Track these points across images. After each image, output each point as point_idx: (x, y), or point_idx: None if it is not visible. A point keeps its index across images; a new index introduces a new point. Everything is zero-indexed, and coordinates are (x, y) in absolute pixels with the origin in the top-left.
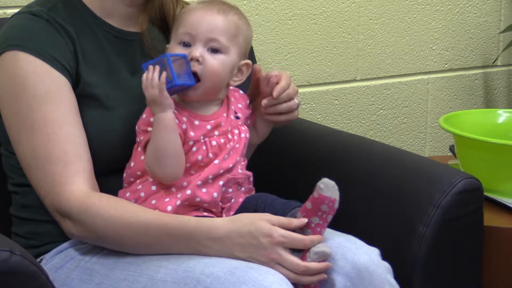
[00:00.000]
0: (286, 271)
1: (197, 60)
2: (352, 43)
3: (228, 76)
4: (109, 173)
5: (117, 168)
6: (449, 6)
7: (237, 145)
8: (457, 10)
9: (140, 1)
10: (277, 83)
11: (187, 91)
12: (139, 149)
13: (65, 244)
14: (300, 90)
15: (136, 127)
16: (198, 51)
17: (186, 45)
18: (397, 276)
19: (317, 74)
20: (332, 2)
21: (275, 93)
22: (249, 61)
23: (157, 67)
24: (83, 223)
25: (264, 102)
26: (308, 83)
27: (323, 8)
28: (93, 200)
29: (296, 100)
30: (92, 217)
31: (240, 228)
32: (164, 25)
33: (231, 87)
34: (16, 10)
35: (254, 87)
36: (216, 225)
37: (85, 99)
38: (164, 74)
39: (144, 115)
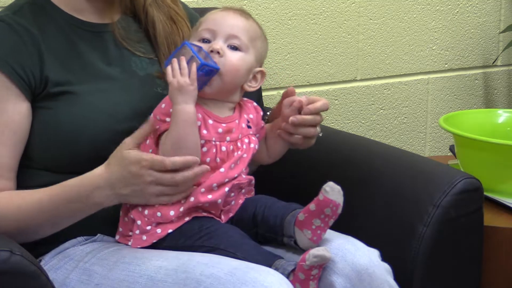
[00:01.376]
0: (167, 190)
1: (217, 53)
2: (352, 43)
3: (245, 76)
4: (95, 165)
5: (104, 159)
6: (449, 6)
7: (245, 155)
8: (457, 10)
9: None
10: (300, 108)
11: (204, 87)
12: (148, 141)
13: (64, 245)
14: (300, 90)
15: (152, 116)
16: (218, 44)
17: (206, 41)
18: (397, 277)
19: (317, 74)
20: (332, 2)
21: (292, 119)
22: (264, 70)
23: (183, 58)
24: None
25: (284, 125)
26: (308, 83)
27: (323, 8)
28: None
29: (318, 129)
30: None
31: (114, 168)
32: (136, 15)
33: (245, 99)
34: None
35: (278, 108)
36: (96, 174)
37: (57, 96)
38: (194, 64)
39: (163, 105)
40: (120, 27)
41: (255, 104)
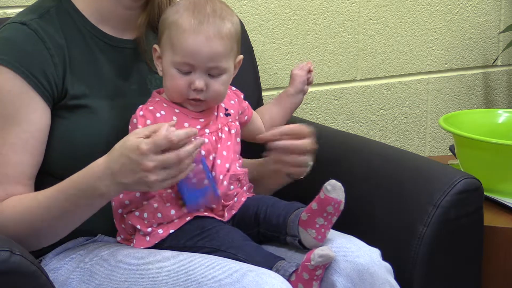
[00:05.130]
0: (171, 173)
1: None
2: (352, 43)
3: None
4: None
5: None
6: (449, 6)
7: (229, 143)
8: (457, 10)
9: (139, 4)
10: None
11: (188, 105)
12: None
13: (65, 245)
14: None
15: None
16: (201, 81)
17: (186, 73)
18: (397, 276)
19: (317, 74)
20: (332, 2)
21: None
22: (240, 57)
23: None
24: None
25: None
26: None
27: (323, 8)
28: (2, 205)
29: (310, 161)
30: (6, 222)
31: (114, 156)
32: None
33: None
34: (16, 10)
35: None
36: (97, 164)
37: (73, 108)
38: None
39: (134, 120)
40: (144, 42)
41: (233, 88)
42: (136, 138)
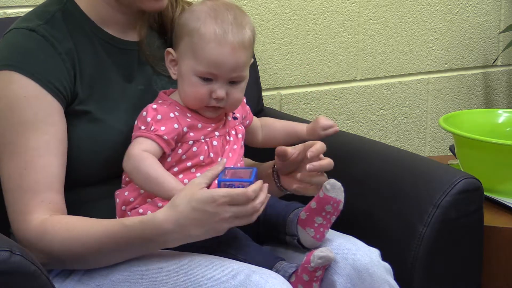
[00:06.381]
0: (244, 219)
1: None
2: (352, 43)
3: None
4: (105, 181)
5: (114, 176)
6: (449, 6)
7: (235, 146)
8: (457, 10)
9: (135, 9)
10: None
11: (205, 112)
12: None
13: None
14: (300, 90)
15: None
16: (222, 91)
17: (205, 80)
18: (397, 277)
19: (317, 74)
20: (332, 2)
21: (309, 166)
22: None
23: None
24: (41, 250)
25: (309, 166)
26: (308, 83)
27: (323, 8)
28: (47, 224)
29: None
30: (50, 242)
31: (183, 211)
32: (162, 29)
33: None
34: (16, 10)
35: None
36: (161, 219)
37: (79, 113)
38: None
39: (144, 113)
40: (146, 44)
41: None
42: (208, 191)
